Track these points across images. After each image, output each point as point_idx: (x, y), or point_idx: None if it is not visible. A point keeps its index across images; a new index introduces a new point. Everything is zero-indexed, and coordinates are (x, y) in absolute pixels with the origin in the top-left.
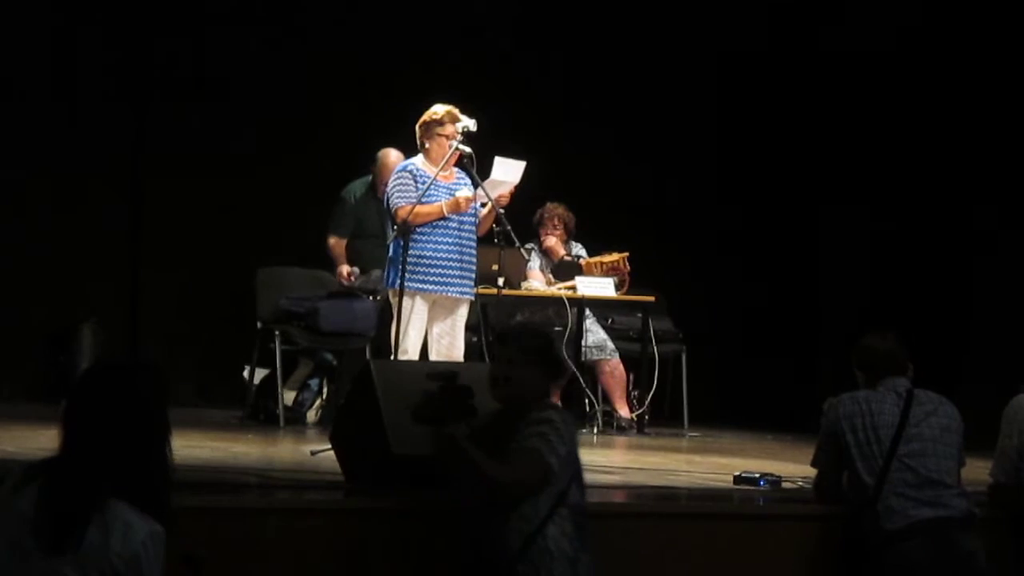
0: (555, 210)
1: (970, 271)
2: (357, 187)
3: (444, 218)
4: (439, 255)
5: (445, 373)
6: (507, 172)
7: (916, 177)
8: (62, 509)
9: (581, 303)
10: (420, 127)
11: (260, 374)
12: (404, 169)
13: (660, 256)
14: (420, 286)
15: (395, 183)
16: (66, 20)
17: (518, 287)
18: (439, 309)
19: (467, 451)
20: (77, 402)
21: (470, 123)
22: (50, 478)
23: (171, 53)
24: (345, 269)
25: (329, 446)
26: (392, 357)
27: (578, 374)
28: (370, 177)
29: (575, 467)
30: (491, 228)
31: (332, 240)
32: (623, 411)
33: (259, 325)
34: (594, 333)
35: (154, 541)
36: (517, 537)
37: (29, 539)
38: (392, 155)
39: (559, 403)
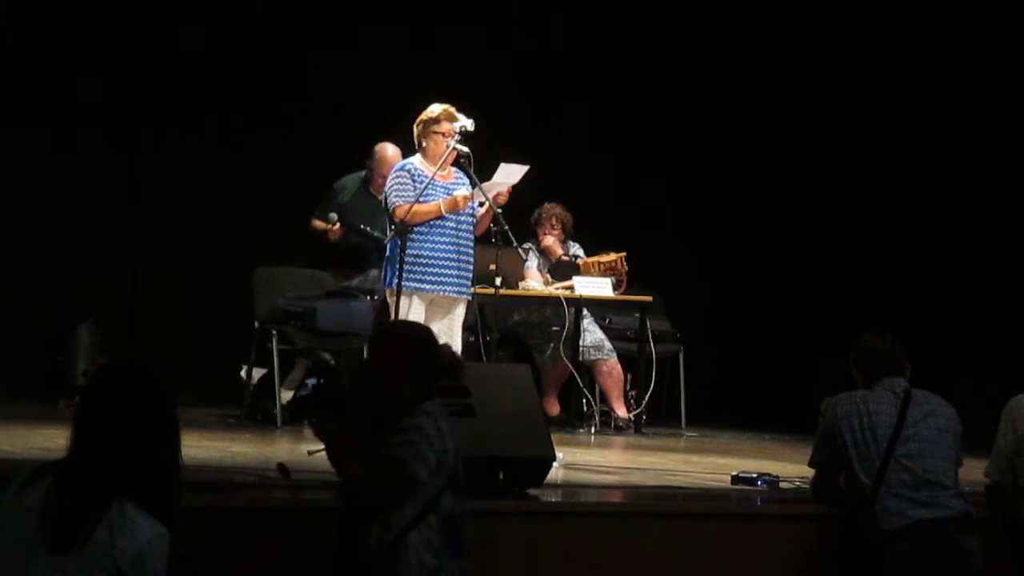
0: (553, 210)
1: (969, 271)
2: (350, 182)
3: (442, 217)
4: (436, 254)
5: (323, 368)
6: (508, 175)
7: (916, 176)
8: (70, 509)
9: (579, 303)
10: (417, 126)
11: (257, 374)
12: (402, 168)
13: (658, 256)
14: (417, 285)
15: (393, 182)
16: (64, 18)
17: (516, 287)
18: (436, 309)
19: (338, 448)
20: (88, 403)
21: (467, 123)
22: (60, 478)
23: (169, 51)
24: (326, 224)
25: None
26: None
27: (576, 374)
28: (363, 172)
29: (449, 475)
30: (489, 228)
31: (314, 221)
32: (620, 411)
33: (256, 325)
34: (592, 333)
35: (159, 542)
36: (377, 543)
37: (35, 536)
38: (389, 149)
39: (557, 405)
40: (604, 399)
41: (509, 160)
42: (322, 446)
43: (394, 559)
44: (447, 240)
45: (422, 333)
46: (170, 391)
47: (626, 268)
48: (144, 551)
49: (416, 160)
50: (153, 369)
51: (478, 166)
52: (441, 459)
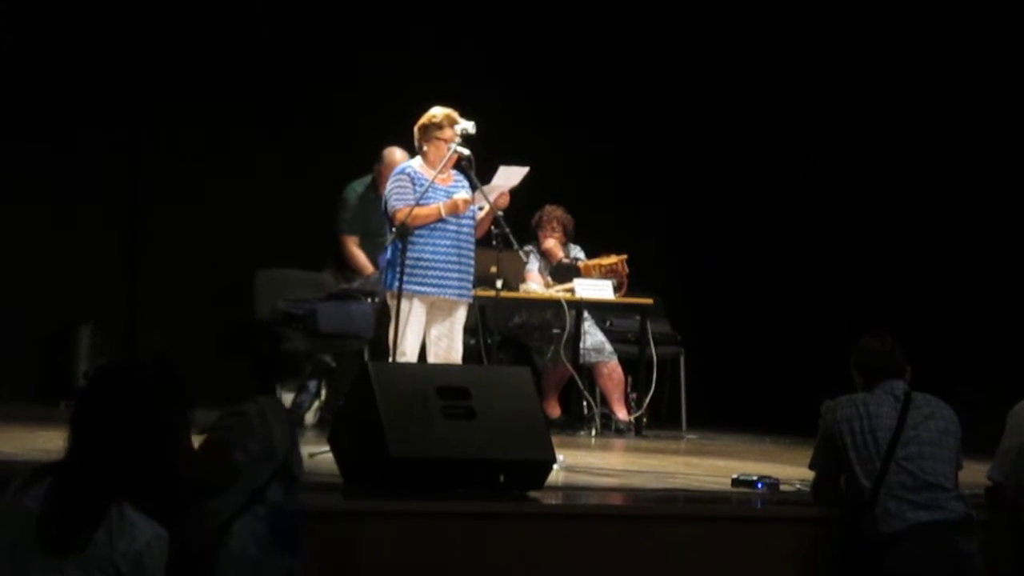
0: (554, 212)
1: (969, 274)
2: (357, 186)
3: (442, 220)
4: (437, 257)
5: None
6: (508, 178)
7: (915, 178)
8: (69, 511)
9: (579, 305)
10: (418, 130)
11: None
12: (402, 172)
13: (658, 258)
14: (418, 288)
15: (393, 186)
16: (66, 20)
17: (516, 289)
18: (437, 311)
19: None
20: (86, 403)
21: (468, 125)
22: (58, 479)
23: (170, 54)
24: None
25: (327, 448)
26: (390, 359)
27: (576, 376)
28: (370, 177)
29: (277, 466)
30: (489, 230)
31: (348, 239)
32: (621, 413)
33: None
34: (592, 335)
35: (158, 543)
36: (197, 532)
37: (34, 539)
38: (397, 153)
39: (558, 407)
40: (604, 401)
41: (508, 163)
42: (325, 448)
43: (216, 548)
44: (448, 243)
45: (247, 324)
46: (167, 390)
47: (627, 271)
48: (143, 552)
49: (416, 163)
50: (150, 367)
51: (478, 169)
52: (263, 447)
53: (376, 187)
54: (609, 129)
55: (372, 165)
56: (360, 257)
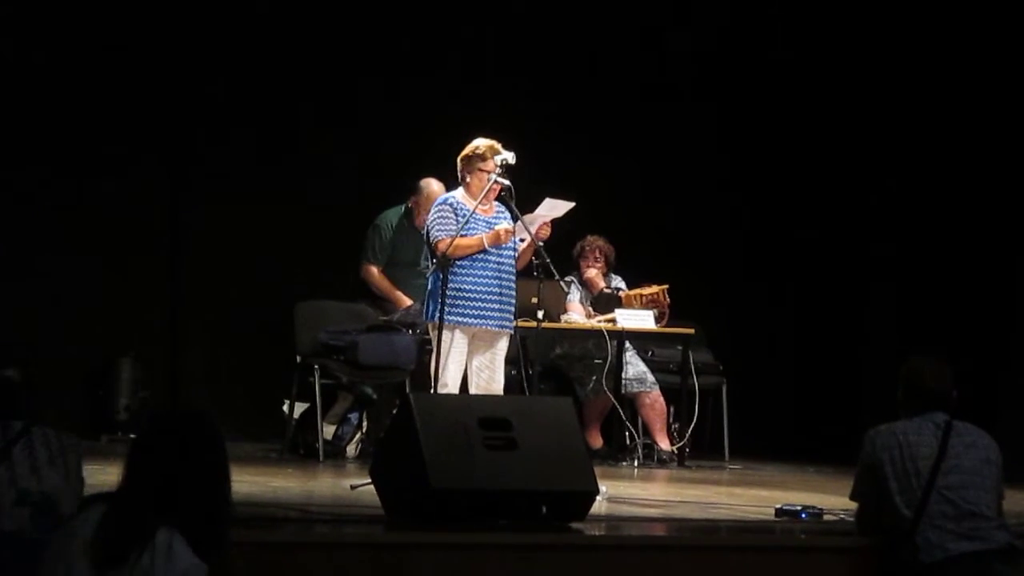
0: (596, 242)
1: (1012, 302)
2: (391, 216)
3: (484, 251)
4: (478, 288)
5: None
6: (552, 209)
7: (957, 206)
8: (118, 536)
9: (621, 335)
10: (461, 160)
11: (299, 408)
12: (444, 202)
13: (699, 288)
14: (459, 319)
15: (435, 216)
16: (105, 59)
17: (558, 320)
18: (478, 342)
19: None
20: (145, 442)
21: (509, 156)
22: (112, 508)
23: (209, 89)
24: (408, 302)
25: (369, 480)
26: (432, 391)
27: (618, 406)
28: (403, 207)
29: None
30: (530, 261)
31: (373, 268)
32: (663, 444)
33: (298, 359)
34: (634, 365)
35: (195, 572)
36: None
37: (84, 560)
38: (434, 184)
39: (600, 438)
40: (647, 432)
41: (553, 195)
42: (366, 480)
43: None
44: (490, 274)
45: None
46: (219, 435)
47: (668, 300)
48: None
49: (458, 194)
50: (205, 413)
51: (521, 196)
52: None
53: (410, 216)
54: (650, 160)
55: (407, 195)
56: (385, 283)
